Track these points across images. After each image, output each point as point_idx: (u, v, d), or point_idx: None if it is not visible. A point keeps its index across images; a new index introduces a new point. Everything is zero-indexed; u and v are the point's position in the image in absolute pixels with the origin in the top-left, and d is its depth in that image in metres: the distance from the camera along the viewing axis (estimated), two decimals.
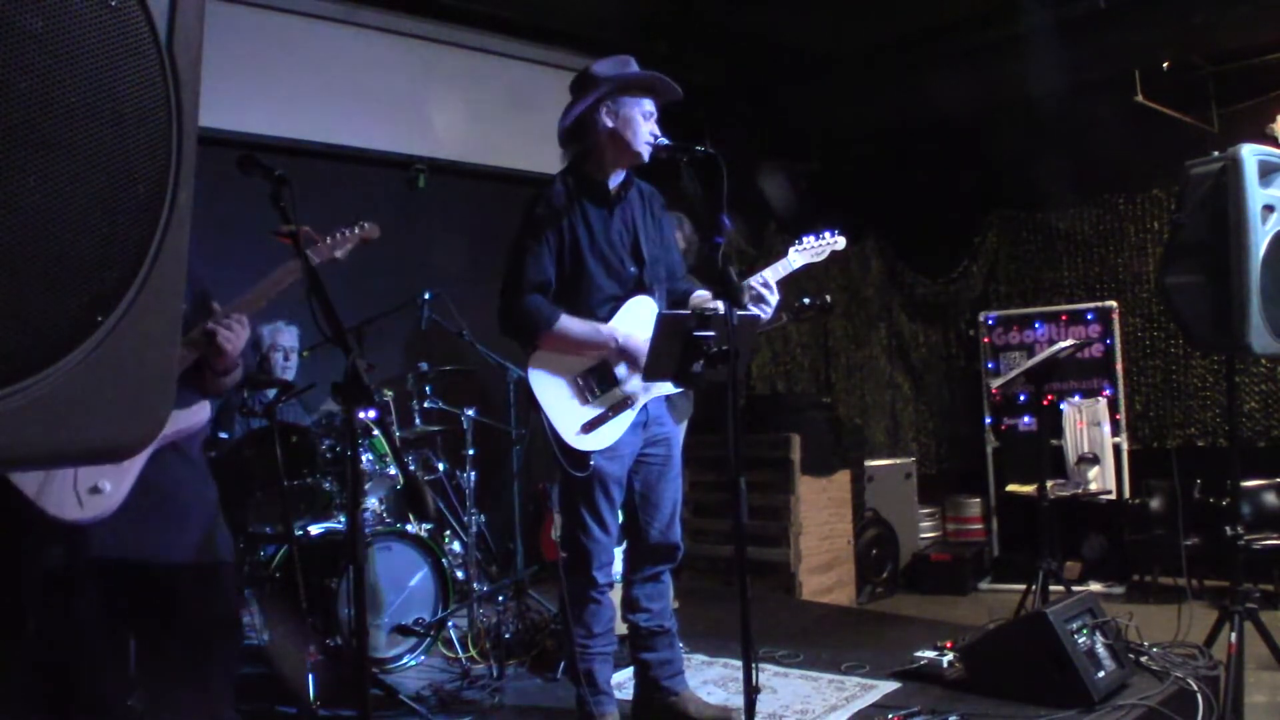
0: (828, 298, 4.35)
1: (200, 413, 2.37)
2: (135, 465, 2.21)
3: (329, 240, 2.61)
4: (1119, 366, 6.99)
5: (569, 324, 3.01)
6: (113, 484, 2.17)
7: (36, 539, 2.12)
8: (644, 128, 3.02)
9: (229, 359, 2.34)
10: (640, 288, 3.15)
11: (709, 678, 3.78)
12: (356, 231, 2.66)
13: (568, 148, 3.17)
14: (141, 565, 2.23)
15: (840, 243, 3.58)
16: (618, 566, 3.36)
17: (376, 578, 3.83)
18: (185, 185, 1.07)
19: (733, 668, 3.86)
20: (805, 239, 3.56)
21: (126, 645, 2.29)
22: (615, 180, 3.13)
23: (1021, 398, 7.12)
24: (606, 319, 3.09)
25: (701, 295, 3.26)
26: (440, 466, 4.66)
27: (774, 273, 3.36)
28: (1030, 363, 5.00)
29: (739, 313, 2.58)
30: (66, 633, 2.17)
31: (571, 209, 3.07)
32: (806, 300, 4.31)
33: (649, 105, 3.04)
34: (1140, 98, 6.12)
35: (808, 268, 3.55)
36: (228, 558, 2.44)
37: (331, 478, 3.96)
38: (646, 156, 3.05)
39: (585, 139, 3.09)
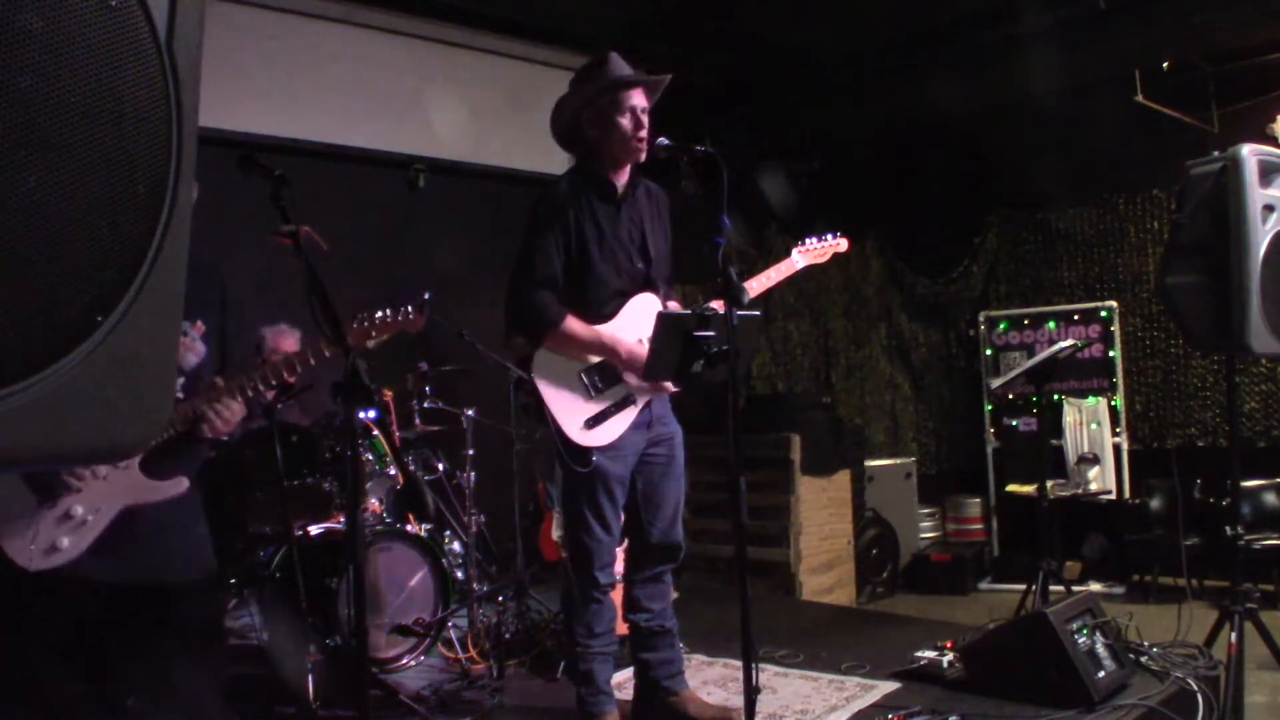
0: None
1: (177, 486, 2.26)
2: (97, 526, 2.14)
3: (364, 323, 2.43)
4: (1119, 366, 7.00)
5: (574, 326, 3.01)
6: (71, 541, 2.10)
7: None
8: (627, 126, 2.99)
9: (218, 434, 2.22)
10: (647, 285, 3.16)
11: (709, 678, 3.78)
12: (398, 319, 2.50)
13: (568, 148, 3.18)
14: (124, 583, 2.17)
15: (843, 245, 3.60)
16: (619, 567, 3.36)
17: (376, 578, 3.83)
18: (185, 185, 1.07)
19: (733, 668, 3.86)
20: (808, 241, 3.57)
21: (104, 654, 2.23)
22: (622, 178, 3.13)
23: (1022, 398, 7.12)
24: (612, 315, 3.08)
25: (671, 306, 3.25)
26: (440, 466, 4.66)
27: (778, 273, 3.38)
28: (1030, 363, 4.99)
29: (739, 313, 2.58)
30: (46, 648, 2.11)
31: (578, 205, 3.06)
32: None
33: (635, 99, 3.01)
34: (1140, 98, 6.12)
35: (809, 268, 3.58)
36: (209, 560, 2.38)
37: (331, 478, 3.96)
38: (641, 155, 3.04)
39: (583, 141, 3.10)
